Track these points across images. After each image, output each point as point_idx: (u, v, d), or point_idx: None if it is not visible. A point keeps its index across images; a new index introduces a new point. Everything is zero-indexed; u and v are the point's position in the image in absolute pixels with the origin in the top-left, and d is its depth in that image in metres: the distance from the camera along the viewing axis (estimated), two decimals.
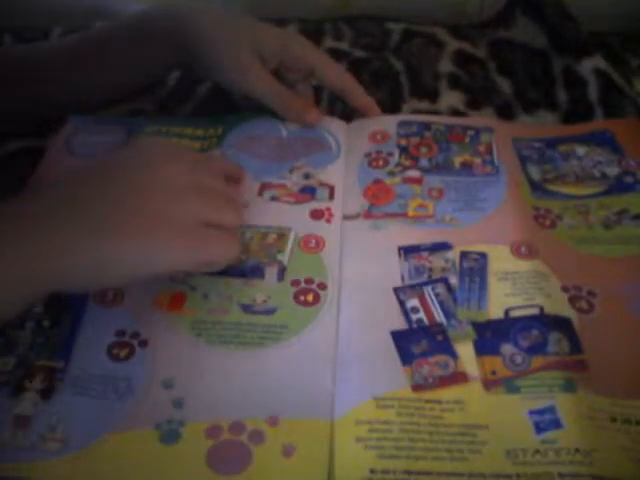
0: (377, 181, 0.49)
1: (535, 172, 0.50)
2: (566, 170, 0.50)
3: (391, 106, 0.59)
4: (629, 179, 0.49)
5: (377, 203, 0.48)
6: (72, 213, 0.36)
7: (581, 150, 0.52)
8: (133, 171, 0.40)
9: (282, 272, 0.43)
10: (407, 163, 0.51)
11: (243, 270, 0.43)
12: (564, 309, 0.41)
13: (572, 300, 0.41)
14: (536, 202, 0.48)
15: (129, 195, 0.38)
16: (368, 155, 0.52)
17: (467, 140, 0.53)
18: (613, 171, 0.50)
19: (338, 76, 0.54)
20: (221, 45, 0.50)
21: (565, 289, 0.42)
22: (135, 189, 0.38)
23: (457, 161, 0.51)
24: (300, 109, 0.53)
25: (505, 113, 0.59)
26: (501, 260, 0.43)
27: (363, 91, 0.55)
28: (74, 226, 0.36)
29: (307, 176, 0.50)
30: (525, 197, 0.48)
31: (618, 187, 0.49)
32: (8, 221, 0.35)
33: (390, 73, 0.62)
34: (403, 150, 0.52)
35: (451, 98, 0.60)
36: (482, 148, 0.52)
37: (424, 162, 0.51)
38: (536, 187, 0.49)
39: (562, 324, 0.40)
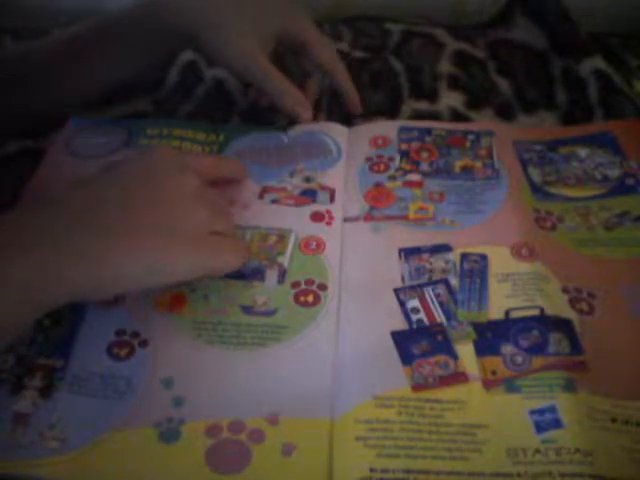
0: (378, 185, 0.50)
1: (536, 175, 0.50)
2: (567, 172, 0.50)
3: (390, 107, 0.59)
4: (630, 181, 0.49)
5: (377, 206, 0.48)
6: (78, 228, 0.36)
7: (582, 152, 0.52)
8: (139, 182, 0.39)
9: (282, 274, 0.43)
10: (408, 167, 0.51)
11: (243, 272, 0.43)
12: (564, 310, 0.41)
13: (572, 302, 0.41)
14: (537, 204, 0.48)
15: (136, 206, 0.38)
16: (369, 159, 0.52)
17: (468, 144, 0.53)
18: (614, 173, 0.50)
19: (328, 59, 0.55)
20: (223, 38, 0.50)
21: (565, 290, 0.42)
22: (142, 200, 0.38)
23: (458, 165, 0.51)
24: (298, 101, 0.53)
25: (505, 114, 0.59)
26: (501, 261, 0.43)
27: (350, 82, 0.56)
28: (78, 240, 0.35)
29: (308, 179, 0.50)
30: (526, 199, 0.48)
31: (619, 189, 0.49)
32: (10, 236, 0.35)
33: (390, 74, 0.62)
34: (404, 155, 0.52)
35: (451, 99, 0.60)
36: (482, 152, 0.52)
37: (425, 166, 0.51)
38: (537, 189, 0.49)
39: (562, 325, 0.40)
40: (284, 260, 0.44)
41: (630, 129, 0.54)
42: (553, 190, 0.49)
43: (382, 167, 0.51)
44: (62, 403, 0.37)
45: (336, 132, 0.54)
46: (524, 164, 0.51)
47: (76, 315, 0.41)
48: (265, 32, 0.51)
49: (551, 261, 0.43)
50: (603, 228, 0.46)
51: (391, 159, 0.52)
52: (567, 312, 0.41)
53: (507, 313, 0.41)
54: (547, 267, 0.43)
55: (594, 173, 0.50)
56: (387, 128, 0.55)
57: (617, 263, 0.44)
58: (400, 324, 0.41)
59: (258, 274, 0.43)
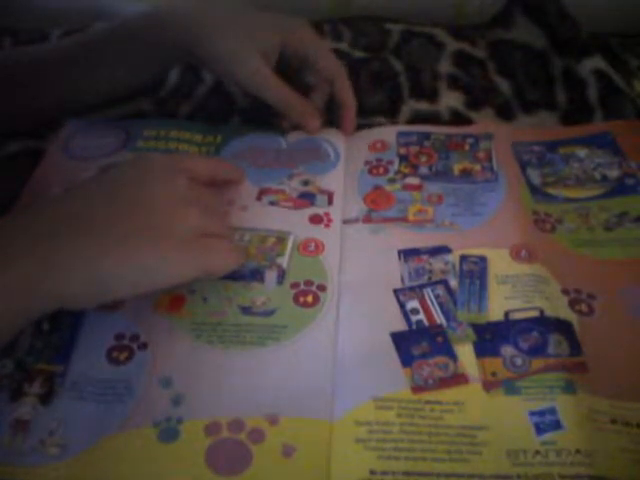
0: (377, 188, 0.50)
1: (535, 176, 0.50)
2: (566, 173, 0.50)
3: (390, 107, 0.59)
4: (630, 181, 0.49)
5: (377, 208, 0.48)
6: (73, 232, 0.36)
7: (582, 152, 0.52)
8: (133, 187, 0.40)
9: (282, 275, 0.43)
10: (407, 171, 0.51)
11: (242, 273, 0.43)
12: (564, 312, 0.41)
13: (572, 303, 0.41)
14: (536, 206, 0.48)
15: (129, 211, 0.38)
16: (368, 163, 0.52)
17: (467, 148, 0.53)
18: (614, 173, 0.50)
19: (332, 69, 0.54)
20: (223, 50, 0.50)
21: (565, 292, 0.42)
22: (135, 205, 0.39)
23: (457, 168, 0.51)
24: (304, 111, 0.53)
25: (505, 114, 0.59)
26: (501, 263, 0.43)
27: (350, 90, 0.55)
28: (74, 245, 0.36)
29: (306, 183, 0.50)
30: (525, 201, 0.48)
31: (619, 189, 0.49)
32: (8, 242, 0.35)
33: (390, 74, 0.62)
34: (403, 159, 0.52)
35: (451, 99, 0.60)
36: (481, 155, 0.52)
37: (424, 170, 0.51)
38: (536, 191, 0.49)
39: (562, 326, 0.40)
40: (283, 261, 0.44)
41: (630, 129, 0.54)
42: (552, 191, 0.49)
43: (381, 170, 0.51)
44: (62, 409, 0.37)
45: (334, 137, 0.54)
46: (523, 166, 0.51)
47: (75, 320, 0.41)
48: (266, 46, 0.51)
49: (551, 263, 0.43)
50: (603, 229, 0.46)
51: (390, 162, 0.52)
52: (567, 313, 0.41)
53: (507, 314, 0.41)
54: (547, 269, 0.43)
55: (593, 173, 0.50)
56: (386, 133, 0.55)
57: (617, 264, 0.44)
58: (400, 325, 0.41)
59: (257, 275, 0.43)
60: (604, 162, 0.51)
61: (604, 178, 0.49)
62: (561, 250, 0.45)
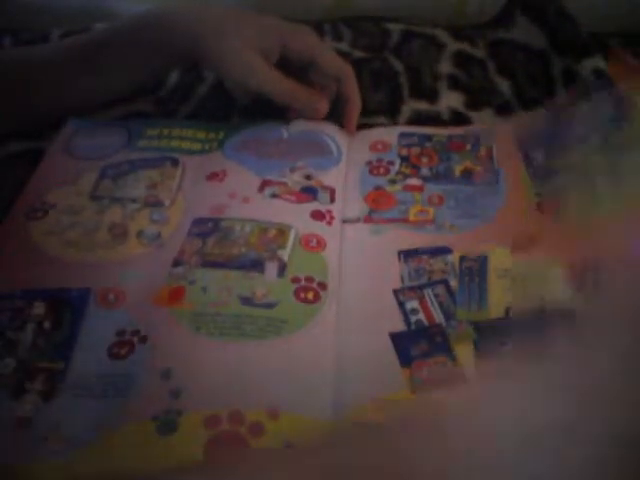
0: (378, 188, 0.50)
1: (539, 156, 0.50)
2: (569, 138, 0.49)
3: (390, 107, 0.59)
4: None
5: (378, 208, 0.48)
6: None
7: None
8: None
9: (282, 268, 0.43)
10: (408, 172, 0.51)
11: (243, 263, 0.43)
12: (567, 302, 0.40)
13: (578, 288, 0.41)
14: (539, 188, 0.47)
15: None
16: (369, 163, 0.52)
17: (468, 147, 0.53)
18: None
19: (337, 64, 0.54)
20: (224, 48, 0.50)
21: (569, 278, 0.41)
22: None
23: (458, 169, 0.51)
24: (309, 98, 0.53)
25: (505, 114, 0.59)
26: (502, 259, 0.43)
27: (357, 89, 0.55)
28: None
29: (308, 177, 0.50)
30: (526, 198, 0.48)
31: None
32: None
33: (390, 74, 0.62)
34: (404, 160, 0.52)
35: (451, 99, 0.60)
36: (483, 153, 0.52)
37: (425, 171, 0.51)
38: (539, 171, 0.49)
39: (564, 320, 0.39)
40: (284, 254, 0.44)
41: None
42: (555, 165, 0.48)
43: (382, 170, 0.51)
44: (64, 406, 0.37)
45: (336, 133, 0.54)
46: (525, 152, 0.51)
47: (76, 317, 0.41)
48: (266, 45, 0.51)
49: (554, 251, 0.43)
50: (608, 183, 0.44)
51: (391, 163, 0.52)
52: (570, 302, 0.40)
53: (507, 311, 0.40)
54: (550, 257, 0.42)
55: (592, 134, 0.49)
56: (387, 133, 0.55)
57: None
58: (399, 325, 0.40)
59: (257, 265, 0.43)
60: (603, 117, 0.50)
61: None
62: (566, 234, 0.43)
